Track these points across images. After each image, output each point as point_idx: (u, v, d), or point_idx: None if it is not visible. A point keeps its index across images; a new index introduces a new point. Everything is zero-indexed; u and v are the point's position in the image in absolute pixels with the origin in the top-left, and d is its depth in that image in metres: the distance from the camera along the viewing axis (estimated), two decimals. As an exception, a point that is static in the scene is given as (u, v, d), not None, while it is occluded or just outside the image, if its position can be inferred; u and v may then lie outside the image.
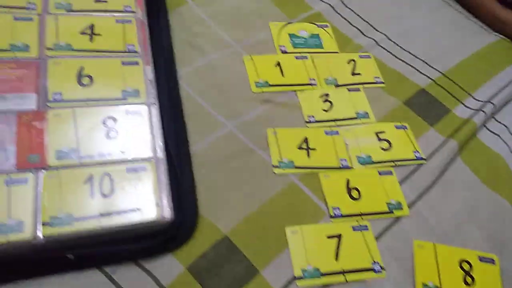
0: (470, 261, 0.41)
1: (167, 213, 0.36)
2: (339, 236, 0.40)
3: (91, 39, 0.43)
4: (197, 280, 0.35)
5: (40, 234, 0.32)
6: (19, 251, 0.32)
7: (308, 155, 0.44)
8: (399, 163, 0.46)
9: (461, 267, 0.41)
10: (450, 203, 0.44)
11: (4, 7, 0.42)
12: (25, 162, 0.35)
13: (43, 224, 0.32)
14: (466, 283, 0.40)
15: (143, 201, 0.35)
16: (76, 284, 0.33)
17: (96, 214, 0.34)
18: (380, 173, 0.45)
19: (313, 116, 0.48)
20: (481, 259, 0.41)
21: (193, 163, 0.41)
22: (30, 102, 0.38)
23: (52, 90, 0.39)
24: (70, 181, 0.35)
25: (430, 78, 0.55)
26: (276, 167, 0.43)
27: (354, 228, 0.41)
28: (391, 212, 0.42)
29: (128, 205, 0.35)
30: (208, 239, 0.37)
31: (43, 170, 0.35)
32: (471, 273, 0.40)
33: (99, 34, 0.44)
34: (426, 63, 0.56)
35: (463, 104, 0.53)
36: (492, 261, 0.41)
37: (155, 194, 0.36)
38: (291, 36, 0.54)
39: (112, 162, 0.37)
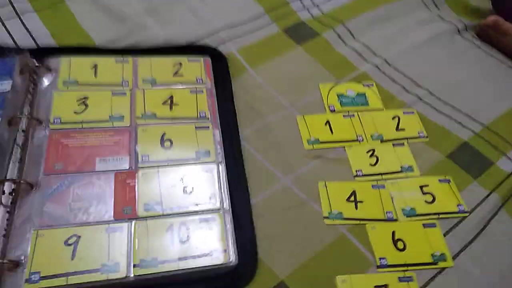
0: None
1: (233, 257, 0.41)
2: (386, 286, 0.42)
3: (171, 108, 0.51)
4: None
5: (131, 274, 0.39)
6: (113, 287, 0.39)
7: (356, 207, 0.48)
8: (442, 215, 0.48)
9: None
10: (495, 255, 0.45)
11: (105, 85, 0.52)
12: (121, 213, 0.42)
13: (134, 266, 0.39)
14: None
15: (213, 247, 0.41)
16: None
17: (175, 258, 0.40)
18: (424, 226, 0.47)
19: (360, 170, 0.52)
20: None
21: (253, 213, 0.47)
22: (124, 163, 0.46)
23: (142, 152, 0.47)
24: (155, 229, 0.42)
25: (473, 131, 0.57)
26: (327, 218, 0.47)
27: (399, 279, 0.43)
28: (436, 263, 0.44)
29: (201, 250, 0.41)
30: (266, 283, 0.42)
31: (134, 220, 0.42)
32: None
33: (177, 104, 0.52)
34: (468, 115, 0.59)
35: (507, 156, 0.54)
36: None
37: (223, 241, 0.42)
38: (339, 96, 0.59)
39: (188, 213, 0.43)
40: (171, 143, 0.48)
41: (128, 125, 0.49)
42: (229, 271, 0.41)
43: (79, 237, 0.40)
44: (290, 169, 0.51)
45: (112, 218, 0.42)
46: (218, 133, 0.50)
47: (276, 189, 0.49)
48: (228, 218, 0.44)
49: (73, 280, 0.37)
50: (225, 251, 0.41)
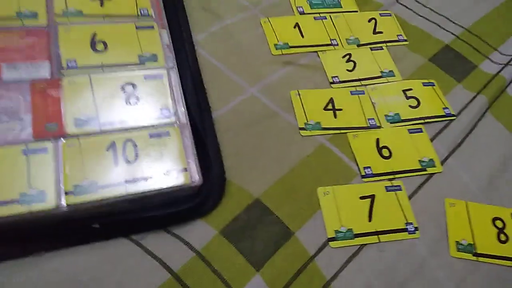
0: (504, 219, 0.38)
1: (196, 177, 0.33)
2: (372, 197, 0.37)
3: (101, 4, 0.39)
4: (232, 243, 0.32)
5: (63, 203, 0.29)
6: (42, 222, 0.29)
7: (335, 116, 0.41)
8: (428, 120, 0.42)
9: (494, 225, 0.37)
10: (483, 158, 0.41)
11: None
12: (43, 131, 0.32)
13: (66, 193, 0.30)
14: (500, 240, 0.37)
15: (169, 166, 0.32)
16: (103, 253, 0.30)
17: (122, 180, 0.31)
18: (409, 131, 0.41)
19: (337, 77, 0.44)
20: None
21: (217, 129, 0.38)
22: (43, 70, 0.34)
23: (66, 57, 0.35)
24: (91, 148, 0.32)
25: (454, 34, 0.51)
26: (303, 129, 0.40)
27: (387, 189, 0.37)
28: (424, 169, 0.39)
29: (155, 170, 0.32)
30: (239, 203, 0.34)
31: (62, 139, 0.32)
32: (504, 231, 0.37)
33: (109, -1, 0.40)
34: (448, 19, 0.52)
35: (489, 59, 0.49)
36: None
37: (182, 159, 0.33)
38: (308, -4, 0.50)
39: (134, 128, 0.34)
40: (105, 45, 0.37)
41: (45, 24, 0.37)
42: (191, 194, 0.33)
43: (-14, 163, 0.29)
44: (256, 77, 0.42)
45: (31, 138, 0.31)
46: (165, 34, 0.40)
47: (242, 100, 0.41)
48: (186, 132, 0.35)
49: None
50: (185, 170, 0.33)
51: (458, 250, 0.35)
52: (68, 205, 0.29)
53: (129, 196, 0.31)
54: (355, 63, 0.46)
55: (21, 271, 0.28)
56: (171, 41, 0.40)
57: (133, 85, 0.36)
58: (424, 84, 0.45)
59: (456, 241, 0.36)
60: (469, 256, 0.35)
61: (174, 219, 0.32)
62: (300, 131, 0.40)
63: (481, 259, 0.35)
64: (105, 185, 0.30)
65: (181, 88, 0.37)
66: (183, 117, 0.35)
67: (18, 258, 0.29)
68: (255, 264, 0.32)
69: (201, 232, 0.32)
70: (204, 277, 0.30)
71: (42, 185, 0.29)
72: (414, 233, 0.35)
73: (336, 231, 0.34)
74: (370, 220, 0.36)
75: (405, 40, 0.49)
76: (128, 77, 0.36)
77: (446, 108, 0.43)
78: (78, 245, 0.30)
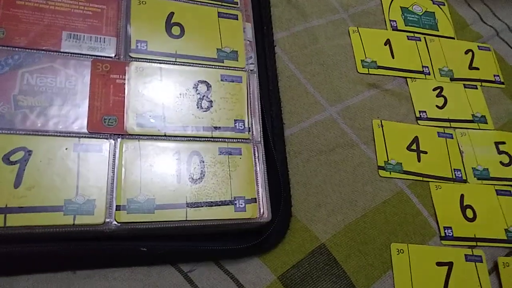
0: None
1: (265, 212, 0.27)
2: (450, 265, 0.31)
3: (184, -22, 0.33)
4: (289, 294, 0.27)
5: (112, 220, 0.24)
6: (84, 236, 0.24)
7: (419, 159, 0.35)
8: (520, 183, 0.36)
9: None
10: None
11: None
12: (100, 125, 0.26)
13: (118, 208, 0.24)
14: None
15: (237, 192, 0.27)
16: (146, 280, 0.25)
17: (183, 202, 0.25)
18: (497, 192, 0.35)
19: (425, 112, 0.38)
20: None
21: (287, 150, 0.32)
22: (108, 48, 0.28)
23: (136, 36, 0.29)
24: (153, 155, 0.26)
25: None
26: (382, 168, 0.34)
27: (466, 258, 0.32)
28: (510, 241, 0.33)
29: (220, 196, 0.26)
30: (302, 246, 0.29)
31: (120, 138, 0.26)
32: None
33: (194, -27, 0.33)
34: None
35: None
36: None
37: (252, 187, 0.27)
38: (404, 10, 0.43)
39: (202, 138, 0.28)
40: (182, 29, 0.31)
41: (117, -10, 0.30)
42: (256, 228, 0.27)
43: (30, 152, 0.24)
44: (337, 96, 0.36)
45: (84, 130, 0.25)
46: (250, 28, 0.33)
47: (318, 120, 0.34)
48: (260, 154, 0.29)
49: (15, 220, 0.22)
50: (254, 200, 0.27)
51: None
52: (118, 222, 0.24)
53: (189, 223, 0.25)
54: (446, 99, 0.39)
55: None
56: (254, 37, 0.33)
57: (208, 85, 0.30)
58: (519, 139, 0.39)
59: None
60: None
61: (229, 254, 0.27)
62: (379, 170, 0.34)
63: None
64: (164, 205, 0.25)
65: (259, 96, 0.31)
66: (258, 134, 0.29)
67: (47, 272, 0.24)
68: (313, 322, 0.27)
69: (257, 273, 0.27)
70: (256, 331, 0.25)
71: (92, 193, 0.24)
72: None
73: (407, 299, 0.29)
74: (444, 289, 0.30)
75: (502, 83, 0.42)
76: (203, 74, 0.30)
77: (539, 172, 0.37)
78: (119, 267, 0.25)
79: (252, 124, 0.29)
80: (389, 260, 0.30)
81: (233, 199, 0.26)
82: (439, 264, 0.31)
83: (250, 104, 0.30)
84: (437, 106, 0.38)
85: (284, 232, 0.29)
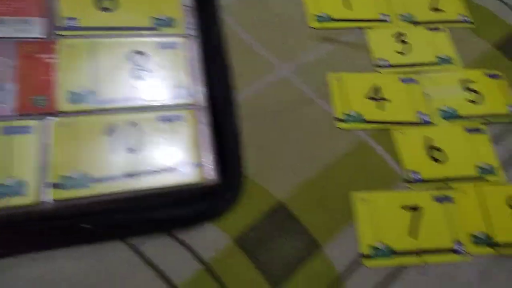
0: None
1: (211, 175, 0.25)
2: (417, 208, 0.29)
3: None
4: (247, 255, 0.25)
5: (47, 198, 0.22)
6: (23, 218, 0.23)
7: (381, 107, 0.32)
8: (491, 119, 0.33)
9: None
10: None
11: None
12: (29, 106, 0.24)
13: (53, 186, 0.22)
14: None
15: (181, 158, 0.25)
16: (94, 259, 0.23)
17: (121, 174, 0.23)
18: (467, 130, 0.32)
19: (386, 60, 0.35)
20: None
21: (239, 114, 0.30)
22: (35, 29, 0.26)
23: (65, 14, 0.27)
24: (87, 131, 0.24)
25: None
26: (341, 121, 0.31)
27: (436, 199, 0.29)
28: (481, 178, 0.30)
29: (162, 163, 0.24)
30: (259, 207, 0.27)
31: (51, 117, 0.24)
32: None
33: None
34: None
35: None
36: None
37: (196, 151, 0.25)
38: (356, -40, 0.40)
39: (140, 108, 0.26)
40: (115, 2, 0.29)
41: (43, -29, 0.28)
42: (203, 193, 0.26)
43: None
44: (290, 55, 0.33)
45: (13, 113, 0.24)
46: (187, -7, 0.31)
47: (271, 81, 0.32)
48: (204, 118, 0.27)
49: None
50: (199, 164, 0.25)
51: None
52: (55, 200, 0.22)
53: (129, 193, 0.23)
54: (408, 44, 0.36)
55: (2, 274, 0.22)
56: (193, 2, 0.31)
57: (143, 55, 0.27)
58: (488, 75, 0.35)
59: None
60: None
61: (180, 222, 0.25)
62: (338, 123, 0.31)
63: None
64: (100, 179, 0.23)
65: (202, 62, 0.29)
66: (202, 99, 0.27)
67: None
68: (273, 282, 0.25)
69: (212, 239, 0.25)
70: (212, 295, 0.24)
71: (23, 174, 0.22)
72: (464, 255, 0.27)
73: (371, 247, 0.27)
74: (412, 235, 0.28)
75: (471, 22, 0.38)
76: (137, 44, 0.28)
77: (512, 106, 0.34)
78: (66, 247, 0.23)
79: (194, 89, 0.27)
80: (351, 210, 0.28)
81: (175, 165, 0.24)
82: (405, 208, 0.28)
83: (192, 69, 0.28)
84: (398, 52, 0.35)
85: (239, 195, 0.27)
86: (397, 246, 0.27)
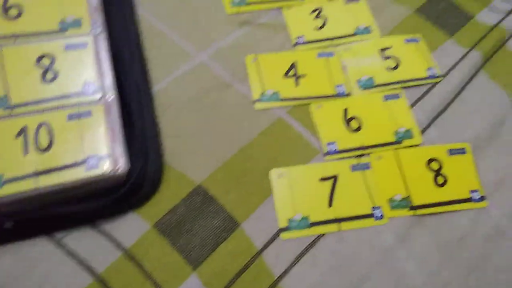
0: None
1: (120, 164, 0.28)
2: (334, 178, 0.32)
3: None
4: (166, 238, 0.28)
5: (-36, 202, 0.26)
6: None
7: (297, 83, 0.36)
8: (408, 83, 0.36)
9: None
10: (469, 126, 0.35)
11: None
12: None
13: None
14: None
15: (90, 152, 0.28)
16: (17, 256, 0.27)
17: (31, 172, 0.27)
18: (385, 98, 0.36)
19: (302, 37, 0.38)
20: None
21: (157, 104, 0.33)
22: None
23: (-30, 26, 0.31)
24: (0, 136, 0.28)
25: (447, -21, 0.43)
26: (258, 101, 0.34)
27: (353, 168, 0.32)
28: (399, 142, 0.34)
29: (71, 158, 0.28)
30: (178, 192, 0.30)
31: (-36, 125, 0.28)
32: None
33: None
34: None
35: (488, 7, 0.42)
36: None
37: (105, 143, 0.28)
38: None
39: (51, 109, 0.29)
40: (20, 9, 0.32)
41: None
42: (121, 182, 0.29)
43: None
44: (206, 41, 0.36)
45: None
46: (93, -7, 0.34)
47: (187, 70, 0.35)
48: (113, 111, 0.30)
49: None
50: (109, 156, 0.28)
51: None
52: (-33, 204, 0.26)
53: (41, 190, 0.27)
54: (325, 19, 0.39)
55: None
56: (101, 1, 0.34)
57: (51, 58, 0.31)
58: (407, 41, 0.38)
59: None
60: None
61: (100, 213, 0.28)
62: (255, 103, 0.34)
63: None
64: (11, 179, 0.26)
65: (111, 56, 0.32)
66: (110, 93, 0.31)
67: None
68: (192, 262, 0.28)
69: (132, 226, 0.28)
70: (132, 279, 0.27)
71: None
72: (381, 219, 0.31)
73: (289, 220, 0.30)
74: (330, 205, 0.31)
75: (388, -11, 0.42)
76: (45, 48, 0.31)
77: (432, 68, 0.37)
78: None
79: (102, 84, 0.31)
80: (270, 186, 0.31)
81: (85, 159, 0.28)
82: (323, 179, 0.32)
83: (100, 65, 0.31)
84: (315, 28, 0.39)
85: (157, 183, 0.30)
86: (316, 217, 0.30)
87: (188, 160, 0.31)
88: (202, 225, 0.29)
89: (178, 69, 0.35)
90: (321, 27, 0.39)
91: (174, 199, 0.30)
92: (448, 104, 0.36)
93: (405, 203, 0.31)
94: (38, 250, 0.27)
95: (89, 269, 0.27)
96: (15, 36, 0.31)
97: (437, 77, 0.37)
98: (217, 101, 0.34)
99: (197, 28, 0.37)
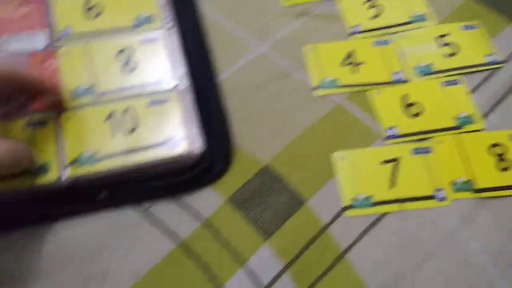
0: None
1: (198, 145, 0.33)
2: (395, 160, 0.35)
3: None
4: (240, 211, 0.32)
5: (65, 175, 0.31)
6: (49, 194, 0.31)
7: (355, 71, 0.39)
8: (467, 70, 0.39)
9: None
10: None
11: None
12: (42, 105, 0.33)
13: (67, 166, 0.31)
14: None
15: (169, 134, 0.33)
16: (111, 223, 0.31)
17: (120, 151, 0.32)
18: (444, 84, 0.38)
19: (358, 26, 0.41)
20: None
21: (224, 93, 0.37)
22: (40, 41, 0.35)
23: (61, 24, 0.36)
24: (90, 120, 0.33)
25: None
26: (317, 88, 0.38)
27: (414, 151, 0.35)
28: (460, 127, 0.36)
29: (154, 139, 0.32)
30: (247, 170, 0.34)
31: (61, 112, 0.33)
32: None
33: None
34: None
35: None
36: None
37: (183, 126, 0.33)
38: None
39: (133, 96, 0.34)
40: (100, 10, 0.37)
41: (39, -9, 0.38)
42: (197, 161, 0.33)
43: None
44: (266, 33, 0.41)
45: (31, 112, 0.33)
46: (164, -8, 0.39)
47: (249, 60, 0.39)
48: (188, 97, 0.35)
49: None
50: (187, 137, 0.33)
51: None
52: (69, 177, 0.31)
53: (129, 167, 0.32)
54: (380, 8, 0.42)
55: (34, 241, 0.31)
56: (171, -1, 0.39)
57: (130, 51, 0.36)
58: (465, 27, 0.41)
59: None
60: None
61: (180, 187, 0.33)
62: (314, 91, 0.38)
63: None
64: (104, 157, 0.31)
65: (182, 50, 0.37)
66: (183, 82, 0.35)
67: (31, 226, 0.31)
68: (264, 233, 0.32)
69: (209, 200, 0.33)
70: (211, 246, 0.31)
71: (44, 158, 0.31)
72: (445, 200, 0.34)
73: (353, 199, 0.33)
74: (392, 186, 0.34)
75: (443, -24, 0.44)
76: (124, 43, 0.36)
77: (492, 54, 0.39)
78: (86, 215, 0.32)
79: (176, 74, 0.35)
80: (333, 168, 0.35)
81: (165, 140, 0.32)
82: (384, 162, 0.35)
83: (173, 58, 0.36)
84: (370, 17, 0.42)
85: (228, 161, 0.34)
86: (378, 197, 0.33)
87: (255, 142, 0.35)
88: (271, 200, 0.33)
89: (241, 60, 0.39)
90: (376, 16, 0.42)
91: (245, 177, 0.34)
92: (510, 90, 0.38)
93: (468, 185, 0.34)
94: (128, 219, 0.32)
95: (173, 236, 0.31)
96: (98, 33, 0.36)
97: (498, 63, 0.39)
98: (279, 88, 0.38)
99: (256, 21, 0.41)
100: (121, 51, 0.36)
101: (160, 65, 0.36)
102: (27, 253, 0.30)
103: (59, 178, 0.31)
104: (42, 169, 0.31)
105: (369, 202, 0.33)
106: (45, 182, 0.30)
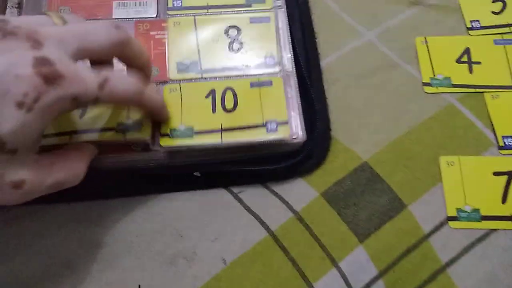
0: None
1: (298, 132, 0.31)
2: (510, 174, 0.32)
3: None
4: (334, 208, 0.31)
5: (158, 147, 0.30)
6: (147, 164, 0.31)
7: (471, 70, 0.35)
8: None
9: None
10: None
11: None
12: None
13: (162, 136, 0.31)
14: None
15: (269, 117, 0.31)
16: (203, 201, 0.31)
17: (218, 128, 0.31)
18: None
19: (477, 21, 0.37)
20: None
21: (325, 79, 0.36)
22: (150, 10, 0.35)
23: (176, -4, 0.36)
24: (192, 95, 0.32)
25: None
26: (428, 85, 0.35)
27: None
28: None
29: (252, 121, 0.31)
30: (344, 165, 0.32)
31: (163, 84, 0.33)
32: None
33: None
34: None
35: None
36: None
37: (283, 111, 0.32)
38: None
39: (235, 76, 0.33)
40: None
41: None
42: (293, 149, 0.32)
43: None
44: (375, 20, 0.38)
45: (136, 81, 0.33)
46: (274, -31, 0.37)
47: (356, 46, 0.37)
48: (291, 82, 0.33)
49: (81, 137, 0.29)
50: (286, 123, 0.32)
51: None
52: (162, 146, 0.30)
53: (225, 144, 0.31)
54: (504, 3, 0.38)
55: (128, 212, 0.31)
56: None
57: (238, 29, 0.35)
58: None
59: None
60: None
61: (273, 175, 0.32)
62: (424, 87, 0.35)
63: None
64: (200, 131, 0.31)
65: (288, 32, 0.35)
66: (289, 66, 0.34)
67: (127, 196, 0.31)
68: (359, 235, 0.30)
69: (302, 192, 0.32)
70: (302, 240, 0.30)
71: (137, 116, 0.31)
72: None
73: (459, 210, 0.31)
74: (504, 201, 0.31)
75: None
76: (233, 20, 0.35)
77: None
78: (182, 191, 0.32)
79: (282, 57, 0.34)
80: (438, 173, 0.32)
81: (264, 122, 0.31)
82: (496, 173, 0.32)
83: (280, 40, 0.35)
84: (493, 12, 0.38)
85: (325, 154, 0.33)
86: (488, 211, 0.31)
87: (354, 135, 0.33)
88: (368, 201, 0.31)
89: (347, 45, 0.37)
90: (499, 12, 0.38)
91: (341, 172, 0.32)
92: None
93: None
94: (220, 201, 0.31)
95: (264, 224, 0.30)
96: (207, 7, 0.36)
97: None
98: (384, 80, 0.36)
99: (365, 7, 0.39)
100: (229, 28, 0.35)
101: (266, 46, 0.34)
102: (119, 224, 0.30)
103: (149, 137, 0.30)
104: (134, 127, 0.30)
105: (477, 216, 0.30)
106: (138, 137, 0.30)
